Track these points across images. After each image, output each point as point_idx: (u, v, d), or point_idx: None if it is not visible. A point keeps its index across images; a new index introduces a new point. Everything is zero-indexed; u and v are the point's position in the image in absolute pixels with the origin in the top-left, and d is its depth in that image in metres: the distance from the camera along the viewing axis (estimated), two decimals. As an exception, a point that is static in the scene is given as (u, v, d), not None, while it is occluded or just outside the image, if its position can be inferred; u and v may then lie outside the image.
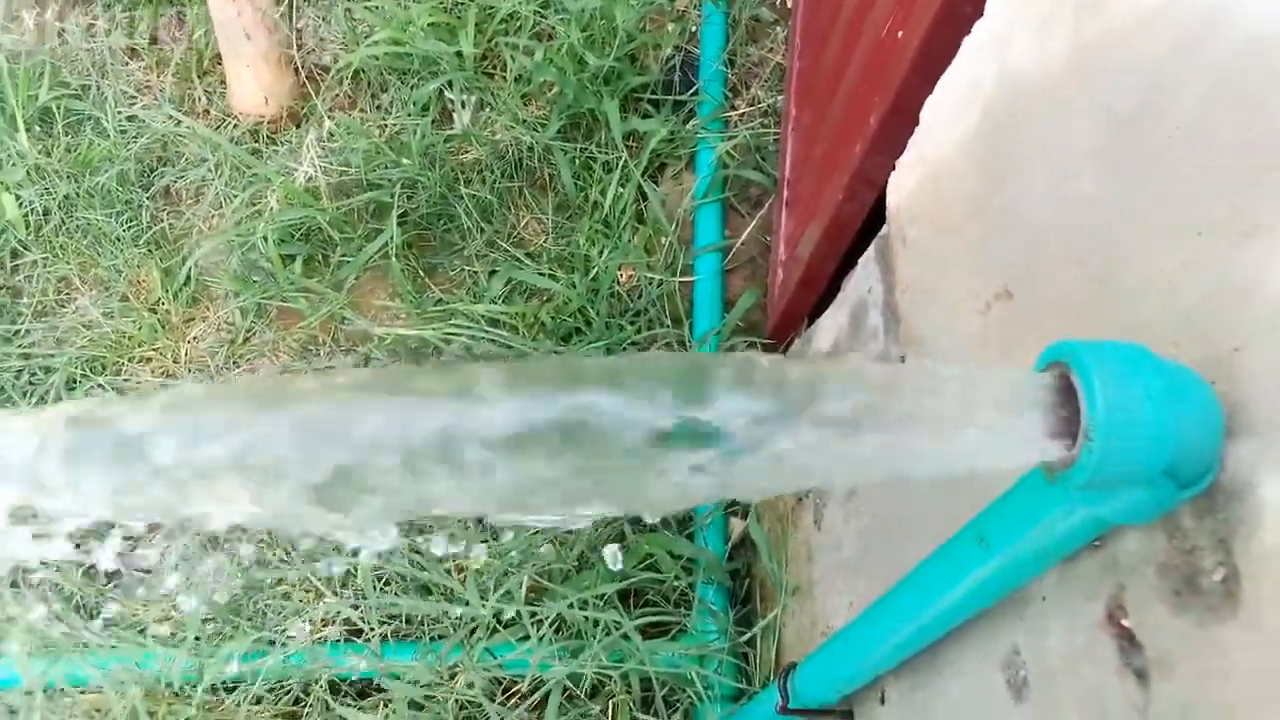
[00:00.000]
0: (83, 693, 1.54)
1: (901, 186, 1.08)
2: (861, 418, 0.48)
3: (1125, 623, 0.56)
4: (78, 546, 0.51)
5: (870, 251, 1.20)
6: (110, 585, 1.68)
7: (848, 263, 1.32)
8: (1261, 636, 0.45)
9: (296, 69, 2.18)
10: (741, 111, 2.05)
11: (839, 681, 0.98)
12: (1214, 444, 0.47)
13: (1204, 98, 0.52)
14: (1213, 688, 0.49)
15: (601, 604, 1.46)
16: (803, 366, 0.49)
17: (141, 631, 1.59)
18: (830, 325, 1.37)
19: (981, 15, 0.85)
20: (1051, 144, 0.70)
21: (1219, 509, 0.48)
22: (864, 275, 1.22)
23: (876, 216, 1.19)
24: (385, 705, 1.49)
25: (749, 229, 1.93)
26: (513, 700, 1.49)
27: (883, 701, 0.98)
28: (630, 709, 1.45)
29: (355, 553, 1.51)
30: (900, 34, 1.08)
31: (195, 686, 1.50)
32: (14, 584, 1.59)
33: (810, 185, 1.56)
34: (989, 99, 0.83)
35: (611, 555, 1.30)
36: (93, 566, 1.64)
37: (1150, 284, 0.56)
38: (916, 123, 1.03)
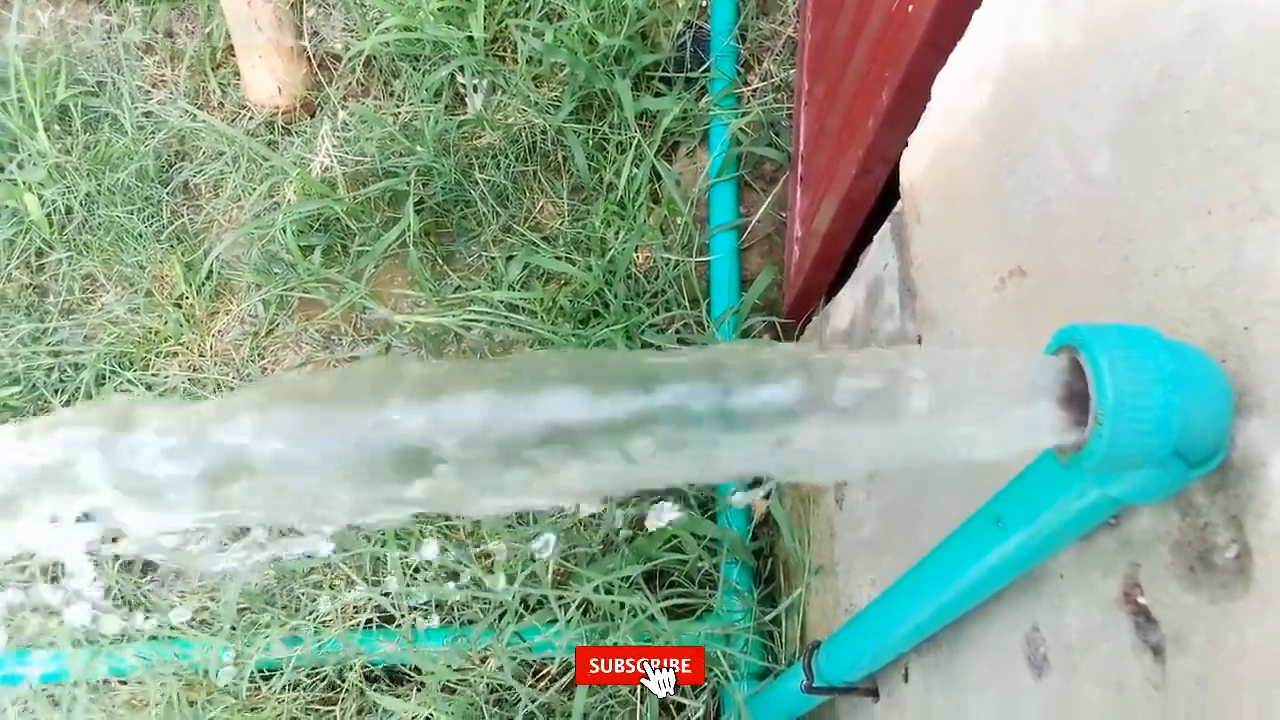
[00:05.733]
0: (123, 683, 1.58)
1: (915, 162, 1.07)
2: (873, 405, 0.48)
3: (1141, 599, 0.56)
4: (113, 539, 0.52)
5: (886, 227, 1.20)
6: (147, 577, 1.72)
7: (864, 238, 1.32)
8: (1273, 613, 0.46)
9: (309, 58, 2.19)
10: (754, 87, 2.03)
11: (863, 659, 0.99)
12: (1223, 424, 0.47)
13: (1216, 78, 0.52)
14: (1227, 663, 0.49)
15: (627, 586, 1.48)
16: (817, 352, 0.49)
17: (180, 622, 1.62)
18: (848, 302, 1.37)
19: (992, -11, 0.84)
20: (1064, 123, 0.70)
21: (1230, 486, 0.48)
22: (880, 251, 1.22)
23: (891, 191, 1.18)
24: (418, 690, 1.51)
25: (764, 206, 1.93)
26: (542, 682, 1.51)
27: (906, 679, 0.99)
28: (658, 688, 1.47)
29: (384, 542, 1.54)
30: (911, 7, 1.07)
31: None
32: (54, 578, 1.62)
33: (824, 160, 1.55)
34: (1001, 76, 0.82)
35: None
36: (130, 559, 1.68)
37: (1163, 263, 0.56)
38: (929, 98, 1.02)
